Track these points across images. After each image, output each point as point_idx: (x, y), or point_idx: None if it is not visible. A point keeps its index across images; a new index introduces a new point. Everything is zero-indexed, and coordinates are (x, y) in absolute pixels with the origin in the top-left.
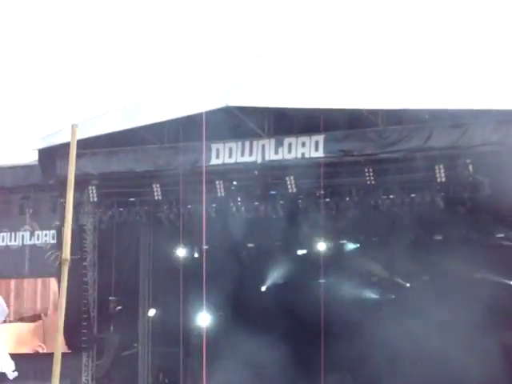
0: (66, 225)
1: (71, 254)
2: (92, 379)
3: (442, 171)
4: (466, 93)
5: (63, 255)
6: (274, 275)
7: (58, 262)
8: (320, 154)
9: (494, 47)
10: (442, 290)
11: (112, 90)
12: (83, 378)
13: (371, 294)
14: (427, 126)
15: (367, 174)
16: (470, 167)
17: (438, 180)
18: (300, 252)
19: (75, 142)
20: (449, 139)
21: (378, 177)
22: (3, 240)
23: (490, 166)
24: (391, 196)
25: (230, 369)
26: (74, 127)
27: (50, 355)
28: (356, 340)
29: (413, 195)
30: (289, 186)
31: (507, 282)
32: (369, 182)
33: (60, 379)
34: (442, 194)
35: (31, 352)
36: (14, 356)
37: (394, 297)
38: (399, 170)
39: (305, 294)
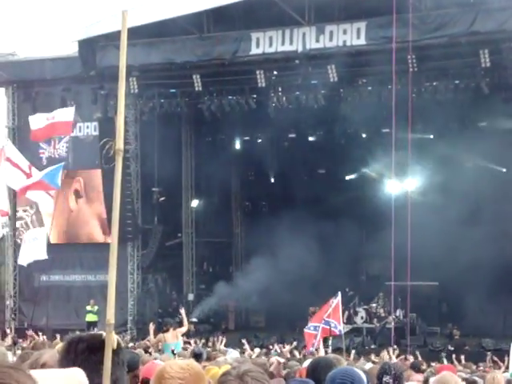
0: (118, 114)
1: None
2: (137, 268)
3: (486, 56)
4: None
5: (117, 145)
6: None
7: (112, 152)
8: (362, 41)
9: None
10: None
11: None
12: (129, 268)
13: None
14: (472, 10)
15: (410, 61)
16: None
17: (483, 65)
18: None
19: (126, 30)
20: (494, 23)
21: (422, 63)
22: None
23: None
24: (435, 83)
25: (272, 257)
26: (124, 13)
27: (100, 245)
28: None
29: (457, 81)
30: (330, 75)
31: None
32: (412, 69)
33: (106, 269)
34: (487, 79)
35: None
36: (63, 245)
37: (437, 184)
38: (443, 56)
39: (347, 183)
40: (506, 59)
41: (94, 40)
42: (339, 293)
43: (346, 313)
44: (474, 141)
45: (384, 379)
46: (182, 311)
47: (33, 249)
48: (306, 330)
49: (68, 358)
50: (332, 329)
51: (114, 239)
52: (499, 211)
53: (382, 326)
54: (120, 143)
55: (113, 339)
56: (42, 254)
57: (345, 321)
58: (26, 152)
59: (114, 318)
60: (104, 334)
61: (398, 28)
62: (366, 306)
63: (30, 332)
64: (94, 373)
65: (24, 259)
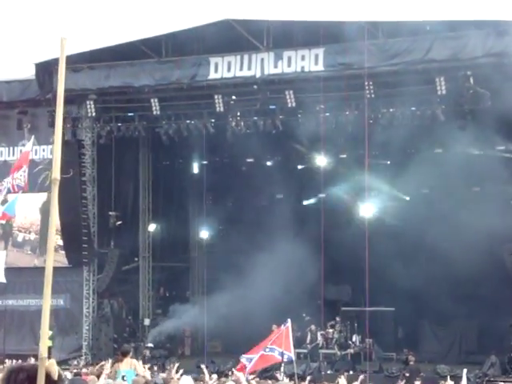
0: (55, 142)
1: (70, 169)
2: (93, 293)
3: (442, 84)
4: (467, 3)
5: (53, 174)
6: (274, 190)
7: (48, 182)
8: (320, 67)
9: None
10: (441, 203)
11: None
12: (84, 292)
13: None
14: (428, 38)
15: (367, 88)
16: (471, 79)
17: (439, 93)
18: (300, 167)
19: (64, 56)
20: (450, 51)
21: (379, 90)
22: (1, 155)
23: (491, 78)
24: (391, 109)
25: (230, 283)
26: (63, 40)
27: (54, 269)
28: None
29: (413, 108)
30: (288, 101)
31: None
32: (369, 96)
33: (61, 293)
34: (443, 106)
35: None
36: (17, 269)
37: (395, 208)
38: (399, 83)
39: (305, 209)
40: (462, 87)
41: (50, 63)
42: (289, 320)
43: (309, 336)
44: (430, 167)
45: None
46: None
47: None
48: (241, 359)
49: None
50: (278, 356)
51: (48, 268)
52: (455, 237)
53: (344, 354)
54: (56, 172)
55: (51, 369)
56: (1, 278)
57: (308, 343)
58: None
59: (66, 345)
60: (48, 363)
61: (356, 55)
62: (322, 332)
63: None
64: None
65: None
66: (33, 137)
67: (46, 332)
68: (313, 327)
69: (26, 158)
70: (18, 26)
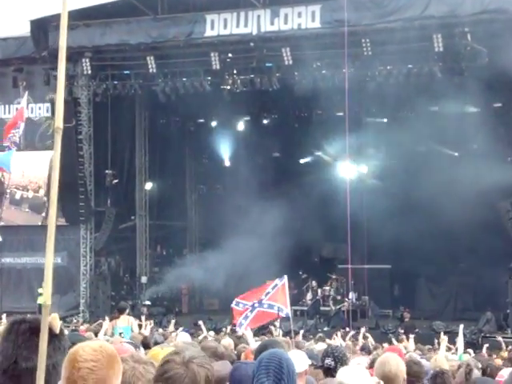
0: (58, 90)
1: (65, 124)
2: (90, 251)
3: (439, 40)
4: None
5: (56, 123)
6: (271, 148)
7: (51, 130)
8: (317, 24)
9: None
10: (436, 161)
11: None
12: (81, 250)
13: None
14: None
15: (364, 45)
16: (469, 36)
17: (436, 50)
18: (296, 125)
19: (66, 13)
20: (448, 7)
21: (375, 47)
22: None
23: (488, 35)
24: (388, 67)
25: (226, 240)
26: None
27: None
28: None
29: (410, 66)
30: (285, 58)
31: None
32: (366, 53)
33: (58, 251)
34: (440, 64)
35: None
36: (14, 227)
37: (389, 168)
38: (396, 40)
39: (301, 167)
40: (459, 44)
41: (46, 20)
42: (285, 276)
43: (310, 292)
44: (427, 125)
45: (326, 361)
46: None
47: None
48: (233, 306)
49: (9, 339)
50: (279, 313)
51: (51, 224)
52: (451, 195)
53: (338, 310)
54: (59, 121)
55: (53, 322)
56: None
57: (309, 299)
58: None
59: (64, 302)
60: (51, 316)
61: (353, 12)
62: (319, 289)
63: None
64: (34, 354)
65: None
66: (26, 93)
67: (49, 281)
68: (314, 283)
69: (21, 115)
70: None
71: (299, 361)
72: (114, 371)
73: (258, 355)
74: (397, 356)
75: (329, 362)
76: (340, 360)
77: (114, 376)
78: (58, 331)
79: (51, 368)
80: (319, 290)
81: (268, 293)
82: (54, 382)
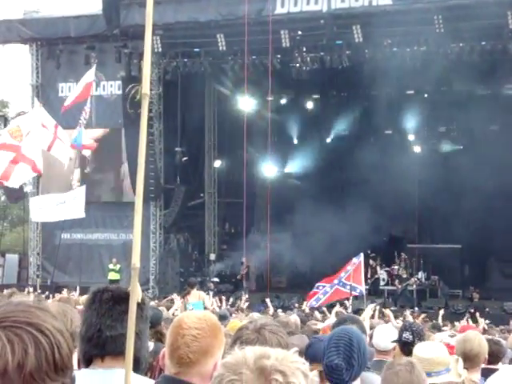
0: (145, 57)
1: (138, 106)
2: (160, 228)
3: None
4: None
5: (143, 90)
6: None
7: (138, 97)
8: (388, 1)
9: None
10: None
11: None
12: (151, 227)
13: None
14: None
15: (436, 22)
16: None
17: (510, 27)
18: (366, 103)
19: None
20: None
21: (448, 24)
22: (70, 90)
23: None
24: (461, 44)
25: (295, 220)
26: None
27: (123, 204)
28: None
29: (483, 43)
30: (355, 36)
31: None
32: (438, 30)
33: (128, 227)
34: None
35: None
36: (92, 203)
37: (461, 148)
38: (470, 17)
39: (370, 145)
40: None
41: None
42: (361, 254)
43: (369, 271)
44: (500, 104)
45: (404, 335)
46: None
47: (70, 208)
48: (314, 290)
49: (92, 308)
50: (351, 291)
51: (139, 186)
52: None
53: (404, 288)
54: (146, 88)
55: (138, 289)
56: (80, 213)
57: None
58: (50, 109)
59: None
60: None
61: None
62: (387, 268)
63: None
64: (117, 322)
65: (55, 216)
66: (94, 67)
67: (137, 244)
68: (371, 262)
69: (89, 90)
70: None
71: (386, 338)
72: (217, 340)
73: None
74: (479, 334)
75: (407, 336)
76: (418, 335)
77: (217, 345)
78: (140, 300)
79: (135, 336)
80: (378, 269)
81: (347, 271)
82: (137, 350)
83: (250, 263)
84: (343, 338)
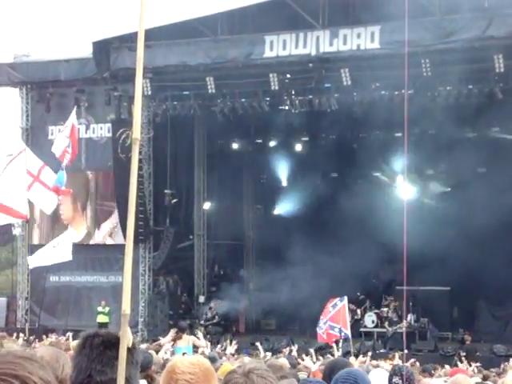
0: (135, 103)
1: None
2: (149, 270)
3: (500, 61)
4: None
5: (134, 134)
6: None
7: (128, 142)
8: (376, 45)
9: None
10: (498, 184)
11: None
12: (140, 269)
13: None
14: (486, 15)
15: (424, 66)
16: None
17: (497, 70)
18: (355, 145)
19: (143, 23)
20: (509, 28)
21: (435, 68)
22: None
23: None
24: (448, 88)
25: (284, 261)
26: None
27: (112, 246)
28: None
29: (470, 86)
30: (344, 79)
31: None
32: (425, 74)
33: (117, 270)
34: (501, 84)
35: None
36: (80, 246)
37: (449, 190)
38: (457, 61)
39: (358, 186)
40: None
41: (108, 42)
42: (345, 297)
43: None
44: (487, 146)
45: (393, 380)
46: (200, 335)
47: (59, 251)
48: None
49: (83, 353)
50: (336, 333)
51: (129, 229)
52: None
53: (395, 331)
54: (137, 132)
55: (129, 333)
56: (67, 256)
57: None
58: (40, 152)
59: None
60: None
61: (412, 32)
62: (376, 310)
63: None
64: (108, 367)
65: (41, 261)
66: (74, 109)
67: (128, 291)
68: (351, 305)
69: (75, 132)
70: (77, 6)
71: (381, 380)
72: None
73: (328, 373)
74: (468, 378)
75: (396, 380)
76: (408, 379)
77: None
78: (130, 345)
79: (125, 382)
80: (358, 311)
81: (329, 312)
82: None
83: (240, 305)
84: (349, 380)
